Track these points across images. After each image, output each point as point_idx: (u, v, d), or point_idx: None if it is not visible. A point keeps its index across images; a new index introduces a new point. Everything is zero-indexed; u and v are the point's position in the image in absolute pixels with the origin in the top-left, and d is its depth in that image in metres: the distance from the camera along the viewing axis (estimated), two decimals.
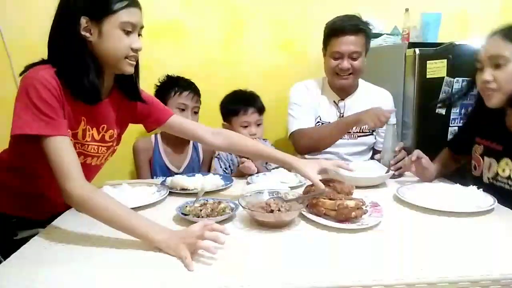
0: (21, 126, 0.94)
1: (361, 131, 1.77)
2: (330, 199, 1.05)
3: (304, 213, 1.06)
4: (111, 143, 1.19)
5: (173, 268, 0.81)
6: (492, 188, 1.22)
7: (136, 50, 1.05)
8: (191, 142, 1.90)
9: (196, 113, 1.85)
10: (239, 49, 2.20)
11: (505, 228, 1.01)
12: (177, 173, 1.79)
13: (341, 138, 1.72)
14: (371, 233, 0.98)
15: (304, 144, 1.71)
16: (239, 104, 1.79)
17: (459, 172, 1.47)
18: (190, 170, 1.85)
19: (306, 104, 1.78)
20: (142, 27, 1.06)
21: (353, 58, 1.66)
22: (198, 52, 2.16)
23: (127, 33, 1.01)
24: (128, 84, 1.15)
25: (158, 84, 1.86)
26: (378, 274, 0.77)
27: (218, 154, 1.77)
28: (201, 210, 1.08)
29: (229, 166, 1.76)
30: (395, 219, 1.07)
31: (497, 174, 1.22)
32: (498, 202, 1.12)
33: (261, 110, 1.81)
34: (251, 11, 2.18)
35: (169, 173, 1.80)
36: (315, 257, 0.86)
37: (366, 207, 1.06)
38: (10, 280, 0.78)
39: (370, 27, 1.75)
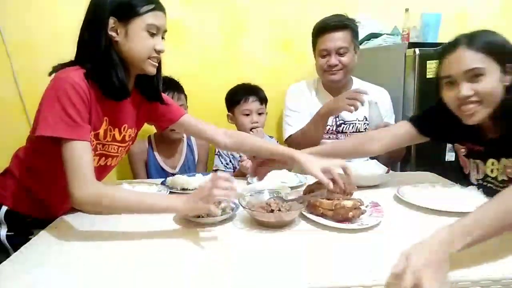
0: (46, 128, 0.95)
1: (357, 131, 1.77)
2: (328, 199, 1.05)
3: (304, 213, 1.06)
4: (128, 143, 1.23)
5: (173, 269, 0.82)
6: (481, 188, 1.20)
7: (159, 52, 1.09)
8: (185, 141, 1.89)
9: None
10: (239, 49, 2.20)
11: None
12: (173, 174, 1.80)
13: (337, 139, 1.73)
14: (371, 233, 0.98)
15: (299, 147, 1.73)
16: (240, 93, 1.83)
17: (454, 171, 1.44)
18: (186, 169, 1.84)
19: (301, 109, 1.80)
20: (165, 31, 1.11)
21: (341, 54, 1.68)
22: (198, 52, 2.15)
23: (152, 35, 1.06)
24: (149, 84, 1.19)
25: None
26: (378, 274, 0.76)
27: (218, 151, 1.80)
28: None
29: (230, 161, 1.80)
30: (395, 219, 1.07)
31: (486, 175, 1.20)
32: None
33: (262, 100, 1.84)
34: (251, 11, 2.18)
35: (164, 174, 1.79)
36: (315, 257, 0.86)
37: (366, 207, 1.06)
38: (10, 280, 0.78)
39: (357, 23, 1.77)
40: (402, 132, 1.31)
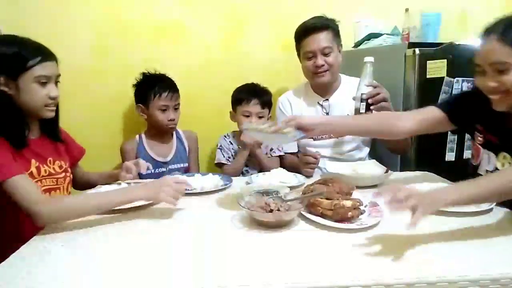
0: None
1: None
2: (327, 198, 1.05)
3: (303, 213, 1.06)
4: (63, 173, 1.29)
5: (173, 268, 0.82)
6: None
7: (53, 98, 1.16)
8: (174, 135, 1.96)
9: (176, 109, 1.88)
10: (239, 49, 2.20)
11: (505, 228, 1.01)
12: (163, 162, 1.86)
13: (330, 137, 1.74)
14: (371, 233, 0.98)
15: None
16: (244, 93, 1.85)
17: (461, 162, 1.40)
18: (178, 159, 1.91)
19: None
20: (58, 76, 1.18)
21: (326, 54, 1.70)
22: (198, 52, 2.16)
23: (43, 84, 1.12)
24: (49, 126, 1.26)
25: (136, 82, 1.89)
26: (378, 274, 0.77)
27: (220, 145, 1.87)
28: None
29: (232, 155, 1.85)
30: (394, 219, 1.06)
31: (496, 169, 1.17)
32: None
33: (264, 103, 1.84)
34: (251, 11, 2.18)
35: (155, 163, 1.83)
36: (315, 257, 0.86)
37: (365, 207, 1.06)
38: (10, 280, 0.78)
39: (337, 23, 1.77)
40: (431, 116, 1.26)
